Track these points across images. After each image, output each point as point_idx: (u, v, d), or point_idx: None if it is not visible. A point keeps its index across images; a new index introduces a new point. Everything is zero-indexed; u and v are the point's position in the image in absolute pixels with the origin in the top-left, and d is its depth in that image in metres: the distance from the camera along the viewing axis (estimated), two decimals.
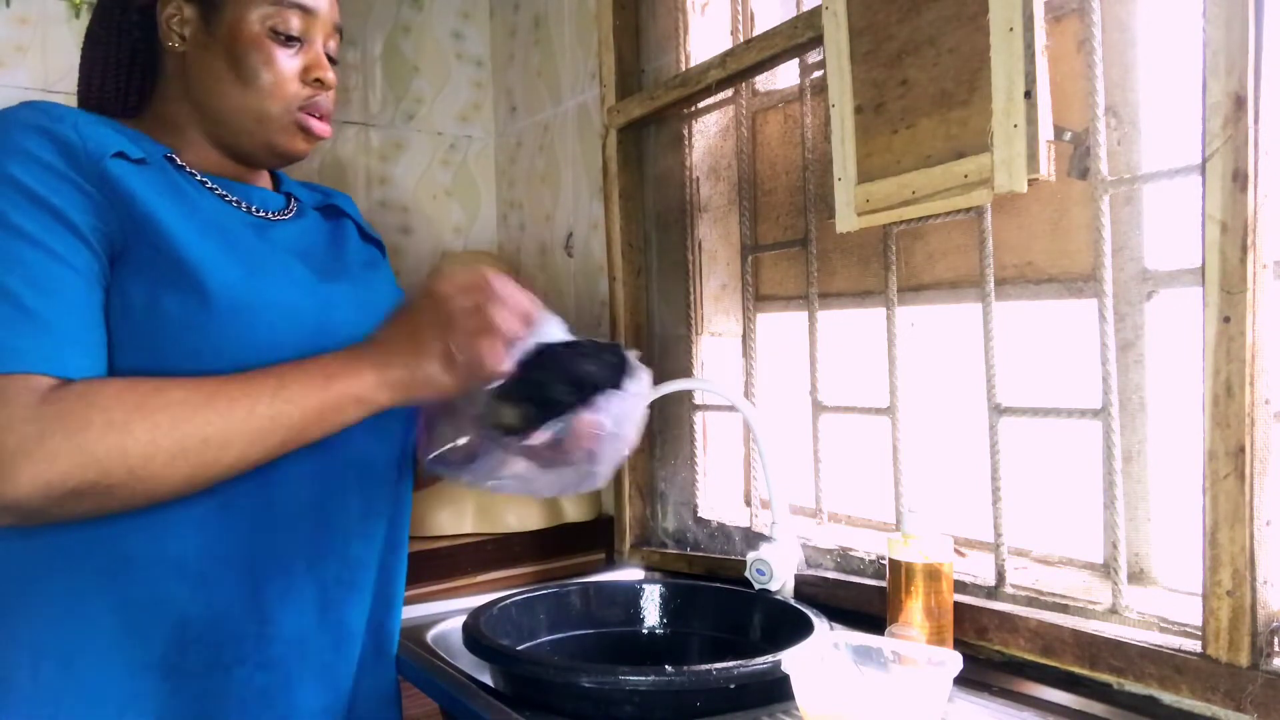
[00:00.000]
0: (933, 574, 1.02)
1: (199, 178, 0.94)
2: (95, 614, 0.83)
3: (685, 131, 1.62)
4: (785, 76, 1.49)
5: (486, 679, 1.07)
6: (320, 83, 0.95)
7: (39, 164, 0.80)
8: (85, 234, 0.80)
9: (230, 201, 0.95)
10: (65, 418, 0.73)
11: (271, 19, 0.92)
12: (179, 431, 0.75)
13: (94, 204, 0.81)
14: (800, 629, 1.08)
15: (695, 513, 1.58)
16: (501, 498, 1.69)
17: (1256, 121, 0.83)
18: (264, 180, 1.05)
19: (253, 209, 0.97)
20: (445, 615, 1.30)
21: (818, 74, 1.37)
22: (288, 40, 0.93)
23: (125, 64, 0.98)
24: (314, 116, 0.96)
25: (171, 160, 0.92)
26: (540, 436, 0.84)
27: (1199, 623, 0.89)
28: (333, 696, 0.94)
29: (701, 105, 1.58)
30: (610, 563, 1.70)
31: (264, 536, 0.88)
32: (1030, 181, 1.00)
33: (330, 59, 0.98)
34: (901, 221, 1.17)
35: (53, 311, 0.77)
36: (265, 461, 0.80)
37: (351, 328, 0.92)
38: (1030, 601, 1.06)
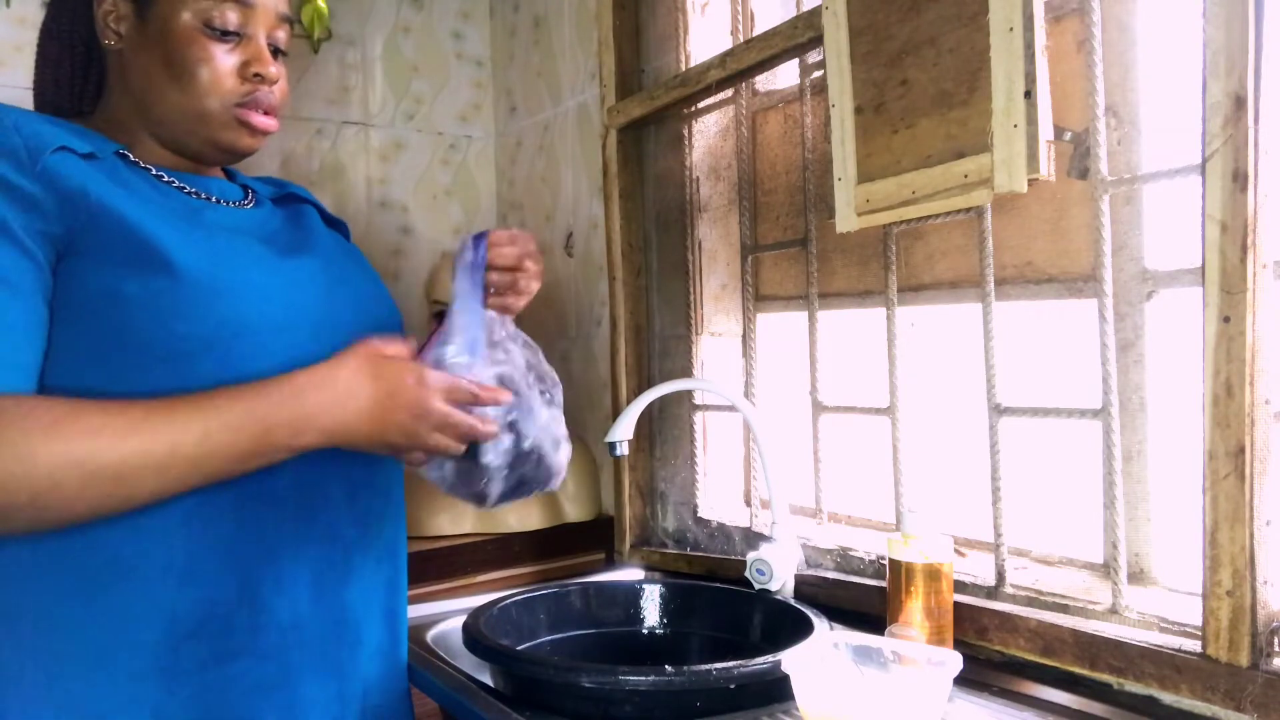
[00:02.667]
0: (933, 574, 1.02)
1: (154, 172, 0.92)
2: (82, 621, 0.82)
3: (685, 131, 1.62)
4: (785, 76, 1.49)
5: (486, 679, 1.07)
6: (260, 78, 0.92)
7: None
8: (26, 244, 0.78)
9: (188, 193, 0.94)
10: None
11: (206, 13, 0.89)
12: (93, 462, 0.73)
13: (36, 204, 0.79)
14: (800, 629, 1.08)
15: (695, 513, 1.58)
16: None
17: (1256, 121, 0.83)
18: (217, 173, 1.03)
19: (212, 198, 0.96)
20: (445, 615, 1.30)
21: (818, 74, 1.37)
22: (224, 35, 0.90)
23: (79, 61, 0.96)
24: (256, 111, 0.93)
25: (124, 157, 0.91)
26: None
27: (1199, 623, 0.89)
28: (340, 684, 0.92)
29: (701, 105, 1.58)
30: (610, 563, 1.70)
31: (249, 524, 0.87)
32: (1030, 181, 1.00)
33: (279, 50, 0.96)
34: (901, 221, 1.17)
35: None
36: (185, 492, 0.80)
37: (320, 304, 0.92)
38: (1030, 601, 1.06)
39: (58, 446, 0.73)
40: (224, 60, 0.91)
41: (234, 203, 0.99)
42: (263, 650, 0.87)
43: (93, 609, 0.82)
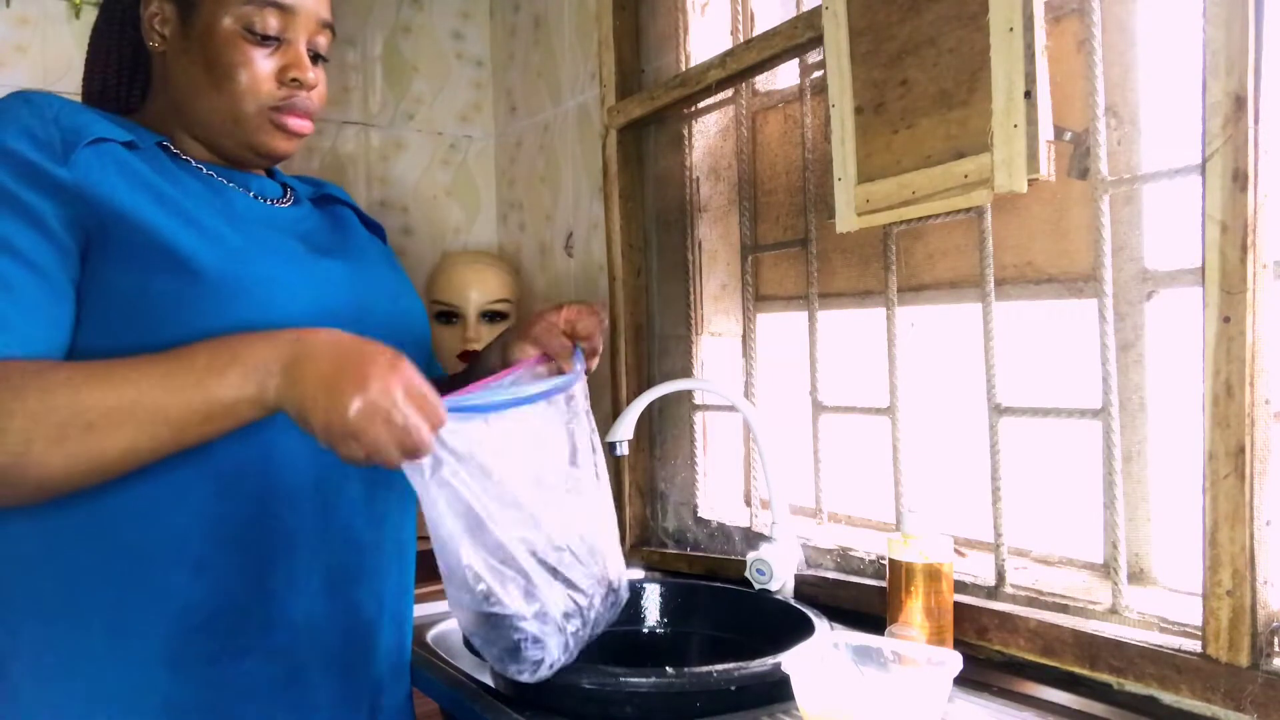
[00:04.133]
0: (933, 574, 1.02)
1: (195, 164, 0.94)
2: (94, 606, 0.83)
3: (685, 131, 1.62)
4: (785, 76, 1.49)
5: (486, 679, 1.06)
6: (298, 83, 0.93)
7: (13, 158, 0.80)
8: (54, 230, 0.80)
9: (230, 186, 0.95)
10: None
11: (247, 18, 0.90)
12: (60, 414, 0.72)
13: (67, 195, 0.80)
14: (800, 629, 1.08)
15: (695, 513, 1.58)
16: None
17: (1256, 121, 0.83)
18: (258, 173, 1.04)
19: (252, 194, 0.97)
20: (445, 615, 1.30)
21: (818, 74, 1.37)
22: (265, 39, 0.91)
23: (125, 62, 0.98)
24: (291, 115, 0.94)
25: (166, 148, 0.92)
26: None
27: (1199, 623, 0.89)
28: (348, 685, 0.92)
29: (701, 105, 1.58)
30: None
31: (266, 520, 0.87)
32: (1030, 181, 1.00)
33: (319, 56, 0.96)
34: (901, 221, 1.17)
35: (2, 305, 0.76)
36: (160, 455, 0.76)
37: (350, 306, 0.92)
38: (1030, 601, 1.06)
39: (25, 404, 0.72)
40: (263, 64, 0.91)
41: (273, 200, 1.00)
42: (275, 648, 0.87)
43: (105, 594, 0.83)
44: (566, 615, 0.87)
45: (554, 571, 0.86)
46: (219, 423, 0.76)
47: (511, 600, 0.83)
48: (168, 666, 0.83)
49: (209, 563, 0.84)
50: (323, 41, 0.96)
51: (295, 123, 0.94)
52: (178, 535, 0.84)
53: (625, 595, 0.94)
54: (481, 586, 0.82)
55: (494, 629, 0.84)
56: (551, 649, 0.85)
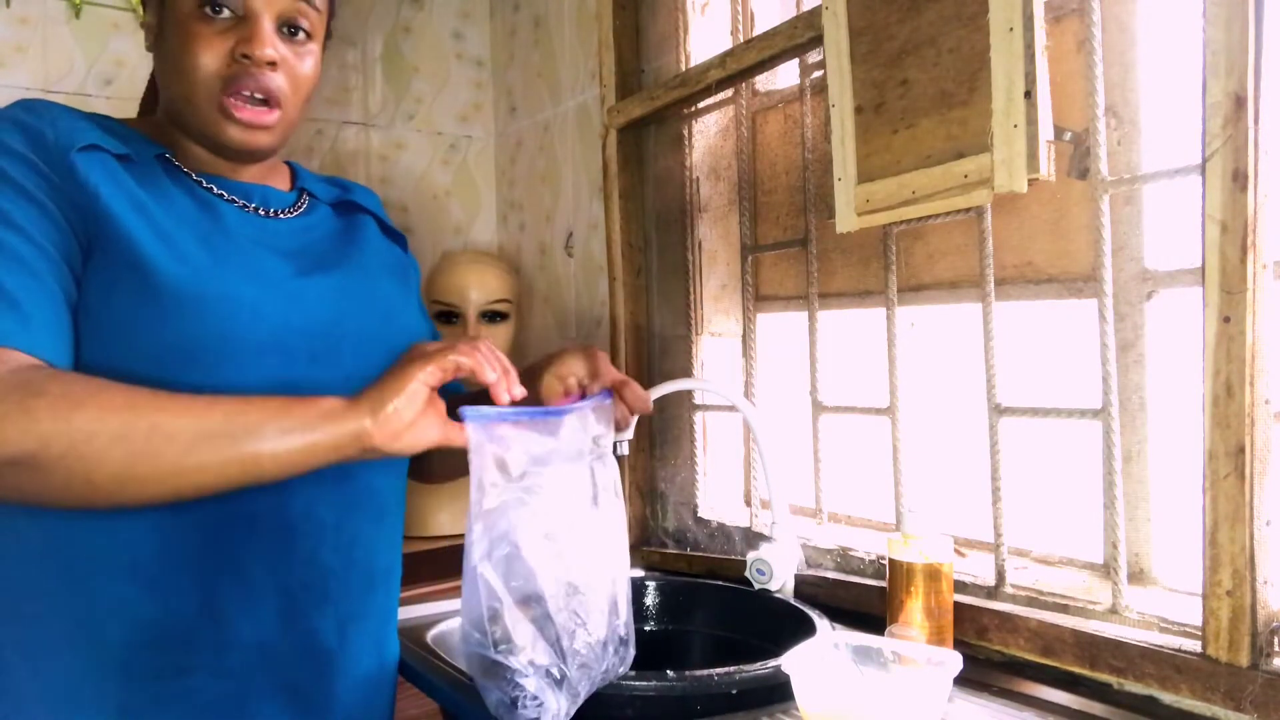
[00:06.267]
0: (933, 574, 1.02)
1: (194, 177, 0.92)
2: (56, 613, 0.83)
3: (685, 131, 1.62)
4: (785, 76, 1.49)
5: None
6: (247, 59, 0.86)
7: (13, 154, 0.81)
8: (58, 217, 0.81)
9: (226, 199, 0.93)
10: (24, 387, 0.71)
11: None
12: (126, 415, 0.73)
13: (61, 194, 0.81)
14: (800, 629, 1.08)
15: (695, 513, 1.58)
16: None
17: (1256, 121, 0.83)
18: (276, 176, 1.01)
19: (250, 206, 0.95)
20: (445, 615, 1.30)
21: (818, 74, 1.37)
22: (217, 12, 0.86)
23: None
24: (240, 98, 0.87)
25: (166, 160, 0.91)
26: None
27: (1199, 623, 0.89)
28: (302, 711, 0.90)
29: (701, 105, 1.58)
30: None
31: (219, 543, 0.85)
32: (1030, 181, 1.00)
33: (299, 30, 0.90)
34: (901, 221, 1.17)
35: (28, 294, 0.77)
36: (210, 484, 0.76)
37: (325, 321, 0.90)
38: (1030, 601, 1.06)
39: (99, 399, 0.73)
40: (214, 42, 0.86)
41: (279, 210, 0.97)
42: (223, 668, 0.85)
43: (63, 602, 0.83)
44: (581, 667, 0.82)
45: (573, 616, 0.83)
46: (289, 463, 0.78)
47: (520, 641, 0.79)
48: (121, 676, 0.83)
49: (159, 579, 0.84)
50: (299, 16, 0.90)
51: (244, 111, 0.88)
52: (132, 551, 0.83)
53: (633, 651, 0.90)
54: (495, 613, 0.78)
55: (493, 677, 0.80)
56: (550, 705, 0.80)
